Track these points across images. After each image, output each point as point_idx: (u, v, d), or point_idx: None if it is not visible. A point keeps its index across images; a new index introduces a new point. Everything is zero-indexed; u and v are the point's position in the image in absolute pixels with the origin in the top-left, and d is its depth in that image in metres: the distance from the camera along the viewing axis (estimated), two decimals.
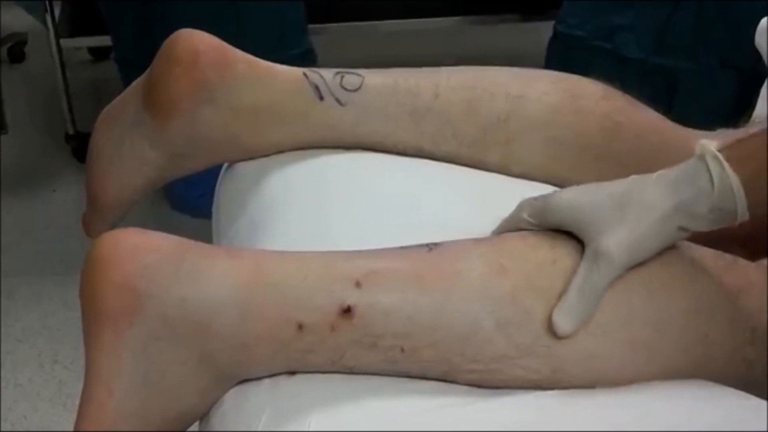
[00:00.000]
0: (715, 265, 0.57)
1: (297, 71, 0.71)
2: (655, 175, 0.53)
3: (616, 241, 0.51)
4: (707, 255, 0.57)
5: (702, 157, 0.51)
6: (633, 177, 0.54)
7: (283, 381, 0.53)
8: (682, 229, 0.52)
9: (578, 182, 0.74)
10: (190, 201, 1.60)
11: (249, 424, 0.52)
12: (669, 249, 0.56)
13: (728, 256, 0.58)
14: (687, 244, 0.57)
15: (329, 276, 0.52)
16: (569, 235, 0.55)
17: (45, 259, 1.61)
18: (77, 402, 0.54)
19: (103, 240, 0.55)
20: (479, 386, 0.53)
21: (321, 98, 0.70)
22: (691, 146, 0.73)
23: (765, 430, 0.47)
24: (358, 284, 0.52)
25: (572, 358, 0.52)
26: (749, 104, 0.98)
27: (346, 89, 0.71)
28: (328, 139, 0.72)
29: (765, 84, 0.96)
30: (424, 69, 0.73)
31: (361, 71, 0.72)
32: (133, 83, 0.72)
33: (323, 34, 1.78)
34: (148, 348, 0.52)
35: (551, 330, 0.51)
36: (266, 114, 0.70)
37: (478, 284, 0.52)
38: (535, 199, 0.57)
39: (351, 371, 0.53)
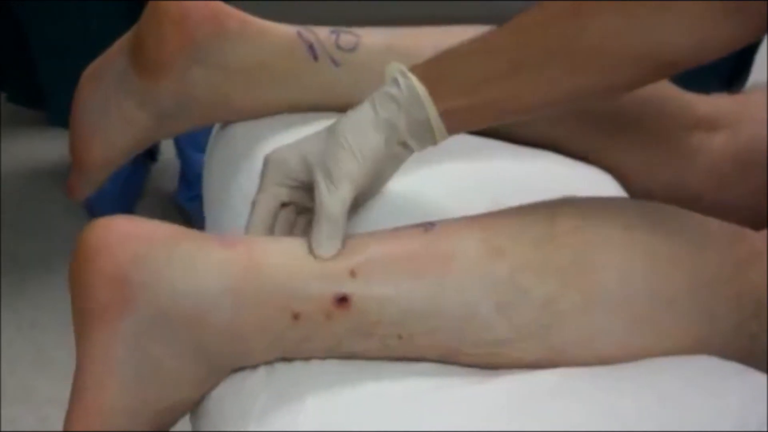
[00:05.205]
0: (720, 235, 0.55)
1: (291, 30, 0.68)
2: (365, 101, 0.55)
3: (347, 170, 0.53)
4: (713, 225, 0.56)
5: (392, 75, 0.54)
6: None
7: (279, 366, 0.53)
8: (401, 144, 0.54)
9: (573, 148, 0.73)
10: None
11: (245, 409, 0.51)
12: (672, 220, 0.55)
13: (734, 226, 0.57)
14: (691, 213, 0.56)
15: (324, 265, 0.51)
16: (568, 210, 0.53)
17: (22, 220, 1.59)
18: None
19: (92, 229, 0.52)
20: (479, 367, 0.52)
21: (315, 58, 0.68)
22: (693, 110, 0.73)
23: None
24: (353, 273, 0.51)
25: (573, 338, 0.51)
26: (746, 68, 0.97)
27: (341, 49, 0.68)
28: (323, 100, 0.69)
29: (760, 47, 0.94)
30: (423, 28, 0.71)
31: (358, 30, 0.69)
32: (120, 39, 0.69)
33: None
34: (141, 340, 0.51)
35: (316, 252, 0.52)
36: (259, 74, 0.68)
37: (474, 268, 0.51)
38: (270, 165, 0.57)
39: (348, 357, 0.52)
